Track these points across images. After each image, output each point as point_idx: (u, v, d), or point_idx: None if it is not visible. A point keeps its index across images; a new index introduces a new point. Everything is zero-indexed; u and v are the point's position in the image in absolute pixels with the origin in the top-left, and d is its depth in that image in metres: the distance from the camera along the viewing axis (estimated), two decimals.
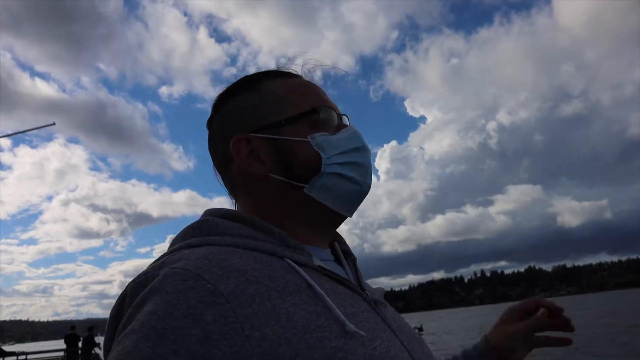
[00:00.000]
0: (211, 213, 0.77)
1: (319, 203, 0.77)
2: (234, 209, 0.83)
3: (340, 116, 0.84)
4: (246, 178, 0.79)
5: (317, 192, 0.77)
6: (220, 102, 0.85)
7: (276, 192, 0.78)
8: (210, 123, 0.86)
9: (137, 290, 0.61)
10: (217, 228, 0.72)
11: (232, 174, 0.81)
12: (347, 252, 0.87)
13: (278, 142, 0.78)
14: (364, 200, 0.83)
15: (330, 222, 0.82)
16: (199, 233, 0.72)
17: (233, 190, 0.83)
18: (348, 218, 0.83)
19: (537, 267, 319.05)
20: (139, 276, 0.64)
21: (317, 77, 0.86)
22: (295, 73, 0.86)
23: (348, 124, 0.84)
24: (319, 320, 0.63)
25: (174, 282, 0.58)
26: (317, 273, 0.71)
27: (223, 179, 0.84)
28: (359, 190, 0.80)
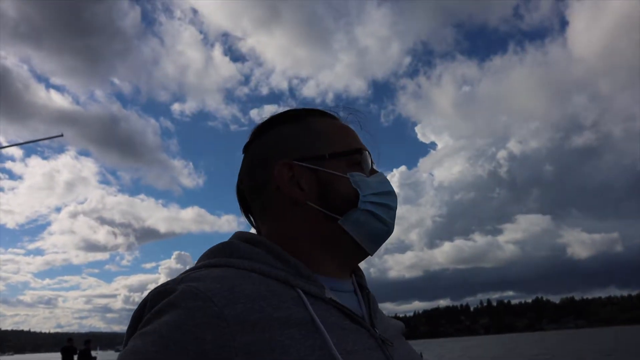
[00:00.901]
0: (238, 236, 0.83)
1: (348, 236, 0.82)
2: (255, 232, 0.88)
3: (372, 162, 0.89)
4: (282, 203, 0.83)
5: (350, 225, 0.81)
6: (263, 129, 0.89)
7: (310, 220, 0.82)
8: (248, 148, 0.90)
9: (157, 299, 0.69)
10: (239, 251, 0.77)
11: (267, 197, 0.85)
12: (362, 285, 0.90)
13: (319, 173, 0.83)
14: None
15: (354, 256, 0.85)
16: (222, 254, 0.78)
17: (261, 214, 0.86)
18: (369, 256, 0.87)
19: (544, 298, 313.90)
20: (161, 286, 0.71)
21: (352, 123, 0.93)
22: (336, 115, 0.92)
23: (377, 170, 0.89)
24: (313, 355, 0.66)
25: (186, 300, 0.66)
26: (327, 305, 0.74)
27: (252, 202, 0.88)
28: (385, 230, 0.84)
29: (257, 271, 0.74)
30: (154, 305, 0.68)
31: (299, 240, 0.81)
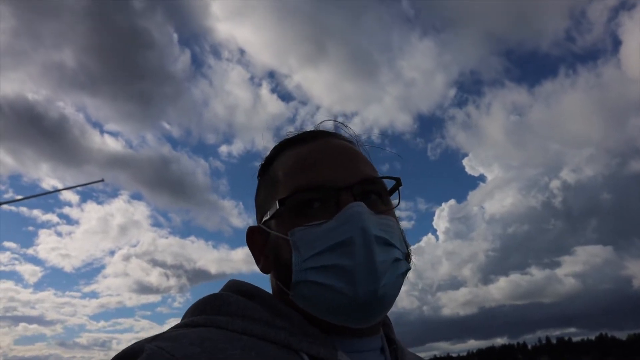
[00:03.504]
0: (231, 287, 0.70)
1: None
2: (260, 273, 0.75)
3: (351, 192, 0.67)
4: None
5: (302, 301, 0.66)
6: (258, 174, 0.81)
7: (278, 290, 0.71)
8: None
9: None
10: (229, 307, 0.64)
11: None
12: (392, 338, 0.75)
13: (271, 236, 0.71)
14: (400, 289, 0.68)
15: (343, 329, 0.67)
16: (209, 310, 0.65)
17: None
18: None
19: (609, 335, 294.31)
20: (128, 347, 0.58)
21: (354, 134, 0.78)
22: (313, 135, 0.77)
23: (354, 201, 0.67)
24: None
25: None
26: None
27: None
28: (349, 301, 0.63)
29: (250, 333, 0.61)
30: None
31: None
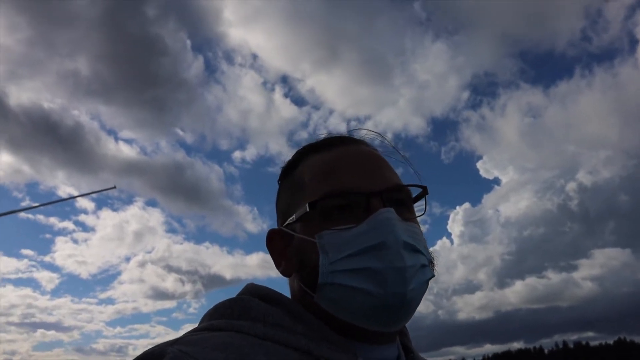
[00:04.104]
0: (249, 291, 0.69)
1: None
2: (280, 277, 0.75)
3: (380, 198, 0.68)
4: None
5: (327, 304, 0.66)
6: (280, 178, 0.79)
7: (300, 293, 0.70)
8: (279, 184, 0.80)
9: None
10: (250, 312, 0.63)
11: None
12: (408, 347, 0.75)
13: (295, 239, 0.71)
14: (423, 297, 0.69)
15: (363, 335, 0.67)
16: (229, 314, 0.64)
17: None
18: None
19: (628, 339, 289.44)
20: (148, 350, 0.57)
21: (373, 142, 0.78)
22: (339, 141, 0.77)
23: (383, 207, 0.67)
24: None
25: None
26: None
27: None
28: (379, 303, 0.64)
29: (272, 339, 0.60)
30: None
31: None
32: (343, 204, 0.67)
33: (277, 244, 0.73)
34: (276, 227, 0.77)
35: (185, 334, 0.63)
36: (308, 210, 0.67)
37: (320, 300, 0.66)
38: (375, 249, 0.63)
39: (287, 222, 0.72)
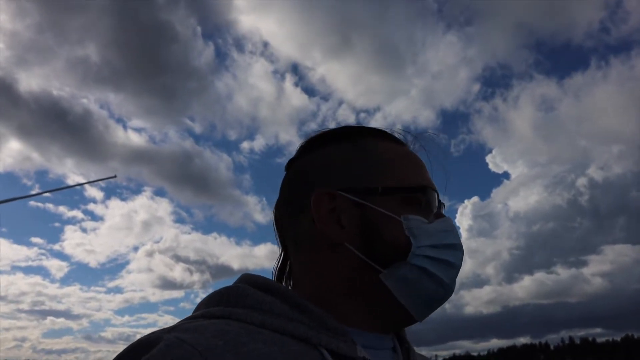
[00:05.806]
0: (246, 280, 0.67)
1: (391, 295, 0.65)
2: (274, 269, 0.75)
3: (440, 204, 0.73)
4: (317, 238, 0.68)
5: (394, 282, 0.65)
6: (310, 146, 0.75)
7: (346, 265, 0.66)
8: (291, 165, 0.76)
9: (135, 354, 0.52)
10: (246, 300, 0.62)
11: (301, 230, 0.70)
12: (403, 338, 0.75)
13: (366, 209, 0.67)
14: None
15: (396, 321, 0.69)
16: (225, 302, 0.62)
17: (294, 249, 0.71)
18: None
19: (635, 336, 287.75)
20: (144, 336, 0.56)
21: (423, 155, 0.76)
22: (403, 141, 0.76)
23: (444, 214, 0.73)
24: None
25: (171, 355, 0.50)
26: None
27: (286, 232, 0.73)
28: (441, 294, 0.67)
29: (270, 327, 0.58)
30: None
31: (331, 286, 0.66)
32: (429, 200, 0.69)
33: (324, 207, 0.67)
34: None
35: (181, 321, 0.62)
36: (408, 194, 0.68)
37: (390, 277, 0.64)
38: (454, 248, 0.68)
39: (353, 187, 0.68)
